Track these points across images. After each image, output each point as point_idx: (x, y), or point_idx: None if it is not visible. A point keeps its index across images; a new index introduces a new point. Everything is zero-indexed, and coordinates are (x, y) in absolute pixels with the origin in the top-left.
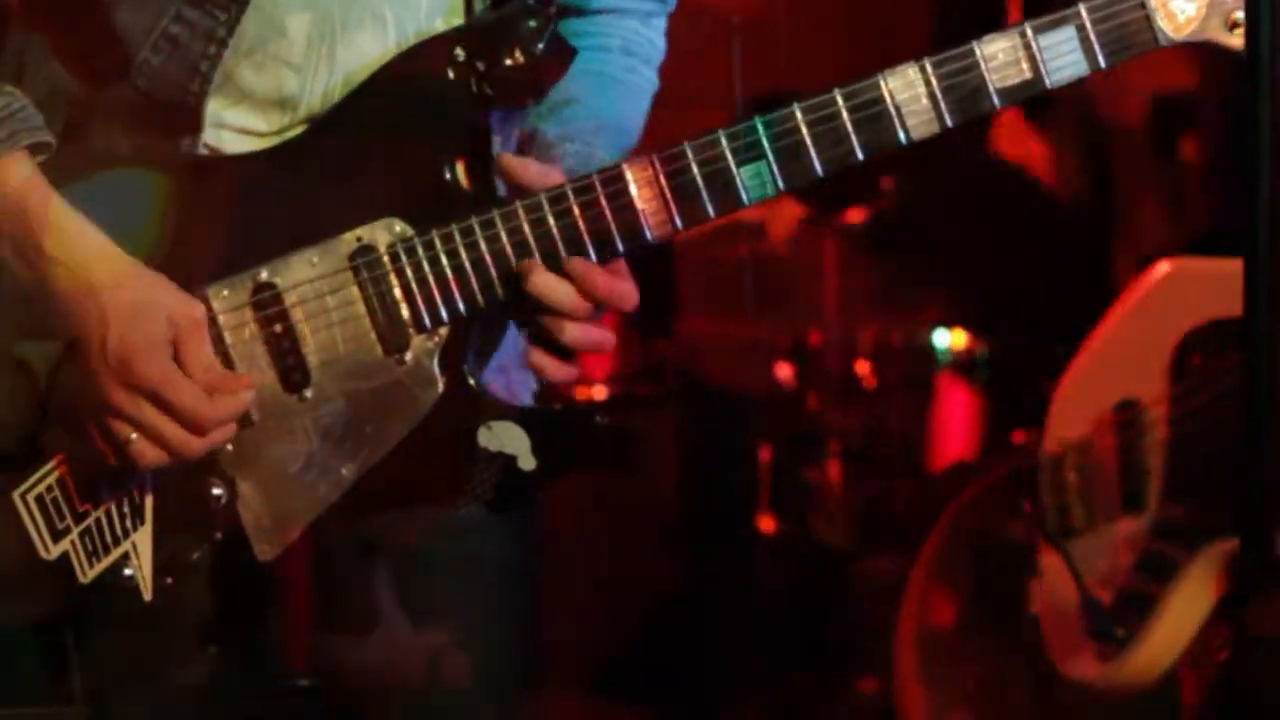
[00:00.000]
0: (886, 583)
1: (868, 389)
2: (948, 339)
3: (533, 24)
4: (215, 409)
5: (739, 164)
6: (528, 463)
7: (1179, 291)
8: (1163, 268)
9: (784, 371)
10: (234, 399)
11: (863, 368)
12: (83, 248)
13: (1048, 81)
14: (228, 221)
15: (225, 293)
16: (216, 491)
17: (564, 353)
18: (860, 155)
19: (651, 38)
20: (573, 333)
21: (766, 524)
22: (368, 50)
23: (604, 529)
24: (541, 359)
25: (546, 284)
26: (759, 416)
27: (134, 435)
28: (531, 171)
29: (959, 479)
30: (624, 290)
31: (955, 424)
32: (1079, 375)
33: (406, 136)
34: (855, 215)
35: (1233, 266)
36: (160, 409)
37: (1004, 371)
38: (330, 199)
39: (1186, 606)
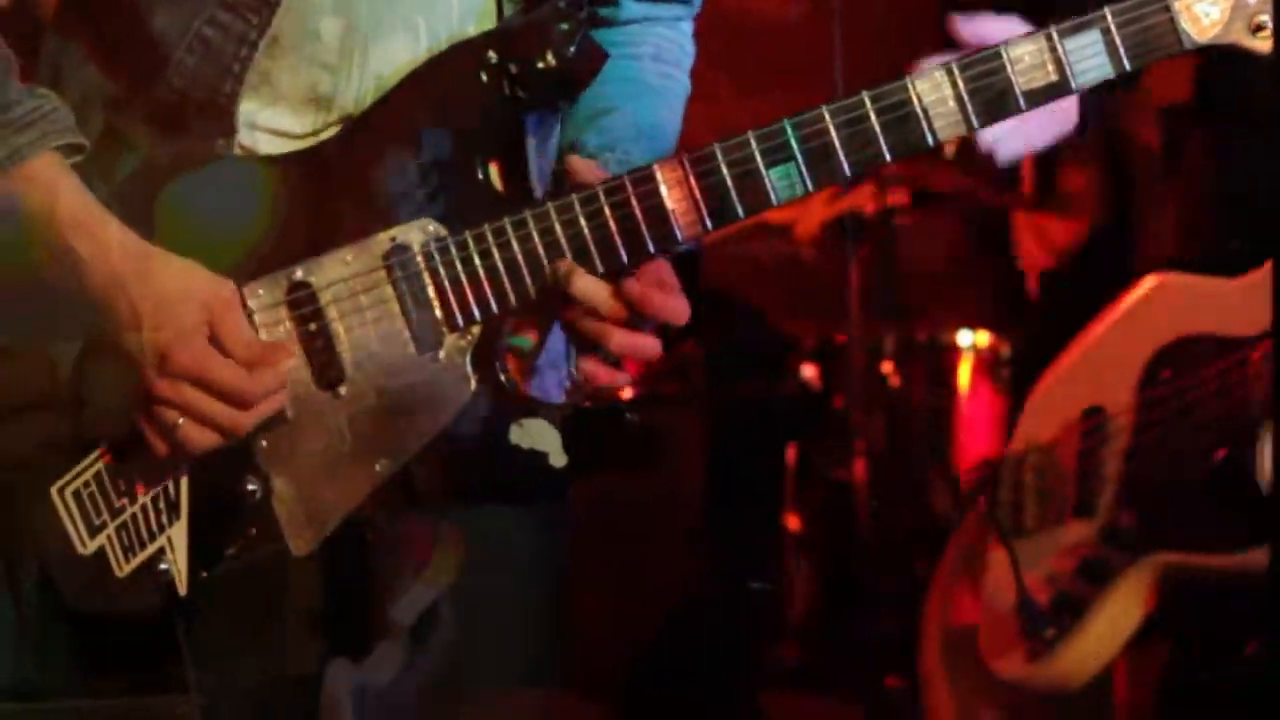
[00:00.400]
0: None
1: (893, 388)
2: (971, 339)
3: (564, 27)
4: (258, 382)
5: (768, 165)
6: (559, 459)
7: (1160, 305)
8: (1150, 280)
9: (809, 371)
10: (275, 370)
11: (887, 367)
12: (110, 244)
13: (1074, 84)
14: (263, 222)
15: (260, 291)
16: (251, 487)
17: (611, 358)
18: (889, 157)
19: (680, 42)
20: (619, 340)
21: (792, 522)
22: (399, 54)
23: (628, 527)
24: (591, 366)
25: (590, 289)
26: (784, 416)
27: (180, 420)
28: (597, 176)
29: (984, 477)
30: (677, 308)
31: (980, 423)
32: (1056, 379)
33: (440, 138)
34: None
35: (1217, 284)
36: (203, 390)
37: (1028, 371)
38: (365, 199)
39: (1116, 615)
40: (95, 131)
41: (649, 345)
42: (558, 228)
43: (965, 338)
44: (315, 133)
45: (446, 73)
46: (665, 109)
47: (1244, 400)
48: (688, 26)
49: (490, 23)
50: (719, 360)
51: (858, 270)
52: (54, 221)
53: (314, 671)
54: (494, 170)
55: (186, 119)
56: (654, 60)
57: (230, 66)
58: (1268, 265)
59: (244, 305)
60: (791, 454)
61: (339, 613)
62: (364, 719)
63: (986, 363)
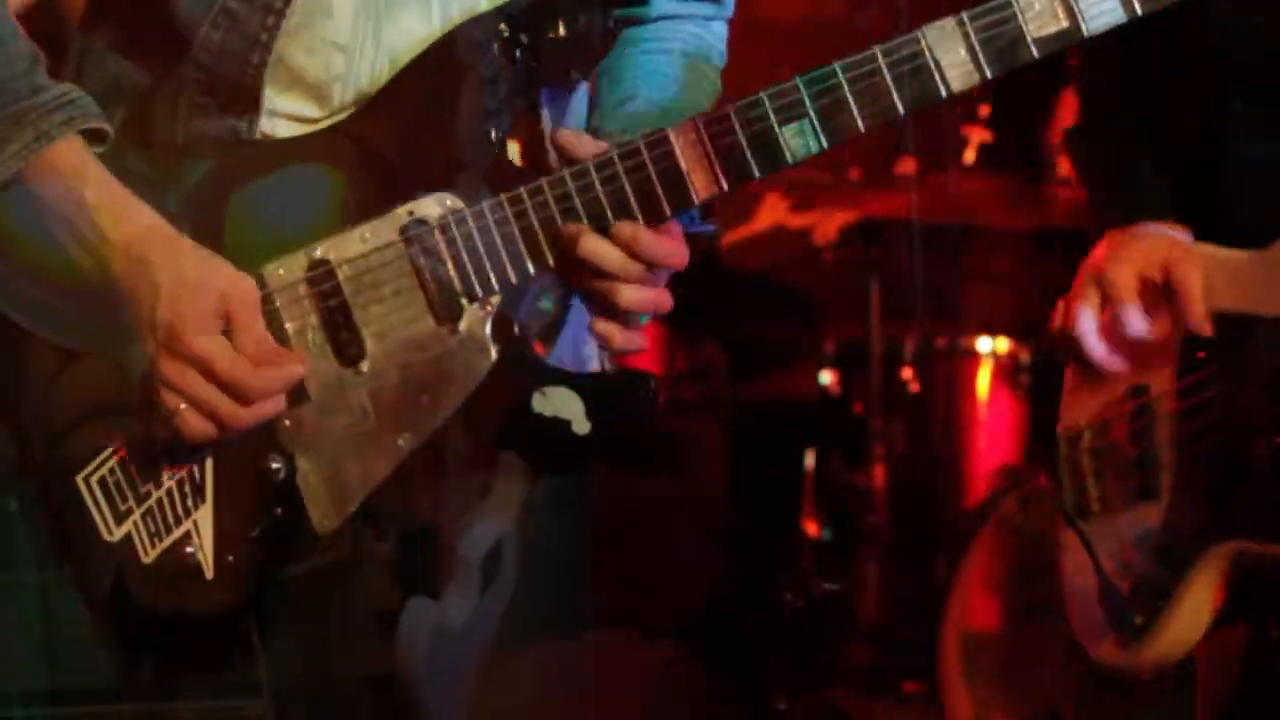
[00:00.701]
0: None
1: (912, 394)
2: (990, 345)
3: None
4: (262, 380)
5: (782, 123)
6: (582, 427)
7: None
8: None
9: (829, 377)
10: (282, 371)
11: (907, 373)
12: (137, 226)
13: (1085, 29)
14: (282, 203)
15: (280, 271)
16: (275, 465)
17: (625, 319)
18: (901, 110)
19: (711, 41)
20: (627, 295)
21: (811, 528)
22: (413, 29)
23: (649, 530)
24: (604, 327)
25: (595, 248)
26: (804, 421)
27: (182, 406)
28: (585, 145)
29: (1003, 482)
30: (671, 248)
31: (999, 429)
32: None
33: (455, 112)
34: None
35: (1234, 255)
36: (207, 378)
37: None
38: (382, 176)
39: (1199, 601)
40: (117, 121)
41: (657, 298)
42: (574, 194)
43: (985, 344)
44: (330, 116)
45: (459, 47)
46: (691, 98)
47: None
48: (720, 28)
49: None
50: (738, 362)
51: (877, 275)
52: (83, 204)
53: (396, 608)
54: (510, 143)
55: (214, 97)
56: (683, 55)
57: (257, 36)
58: None
59: (263, 285)
60: (810, 459)
61: (413, 549)
62: (439, 662)
63: (1006, 369)
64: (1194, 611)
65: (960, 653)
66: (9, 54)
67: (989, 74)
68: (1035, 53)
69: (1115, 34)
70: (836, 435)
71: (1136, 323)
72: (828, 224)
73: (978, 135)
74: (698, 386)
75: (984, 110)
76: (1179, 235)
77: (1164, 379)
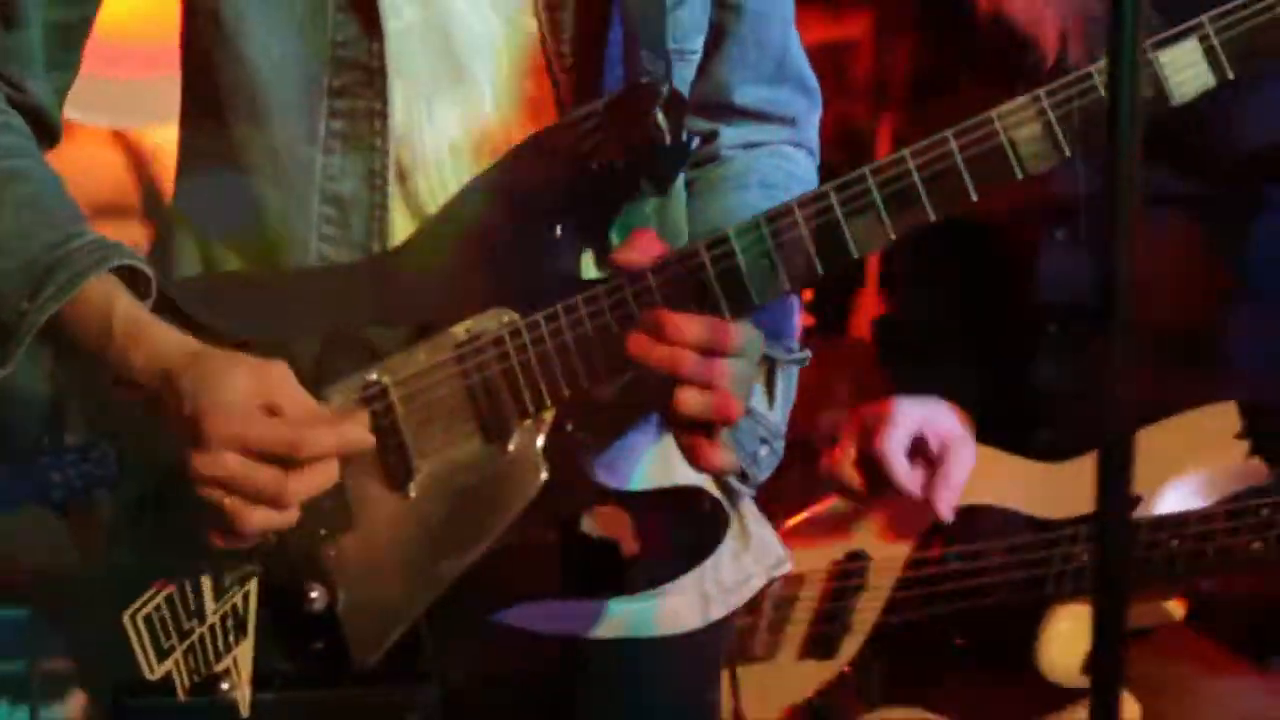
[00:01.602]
0: None
1: None
2: None
3: (660, 113)
4: (309, 439)
5: (848, 216)
6: (630, 548)
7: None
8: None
9: None
10: (336, 430)
11: None
12: (161, 346)
13: (1174, 97)
14: (341, 327)
15: (336, 400)
16: (314, 595)
17: (704, 430)
18: (974, 195)
19: (789, 169)
20: (690, 401)
21: None
22: (468, 110)
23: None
24: (685, 440)
25: (640, 347)
26: None
27: (226, 500)
28: (641, 250)
29: None
30: (718, 330)
31: None
32: (815, 515)
33: (519, 227)
34: None
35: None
36: (245, 454)
37: None
38: (441, 293)
39: None
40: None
41: (720, 404)
42: (630, 299)
43: None
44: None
45: (528, 159)
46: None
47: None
48: (794, 152)
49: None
50: None
51: None
52: (111, 337)
53: None
54: (575, 259)
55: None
56: (761, 187)
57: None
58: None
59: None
60: None
61: None
62: None
63: None
64: None
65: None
66: (48, 206)
67: (1067, 151)
68: None
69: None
70: None
71: (904, 476)
72: None
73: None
74: None
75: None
76: (960, 421)
77: (891, 554)
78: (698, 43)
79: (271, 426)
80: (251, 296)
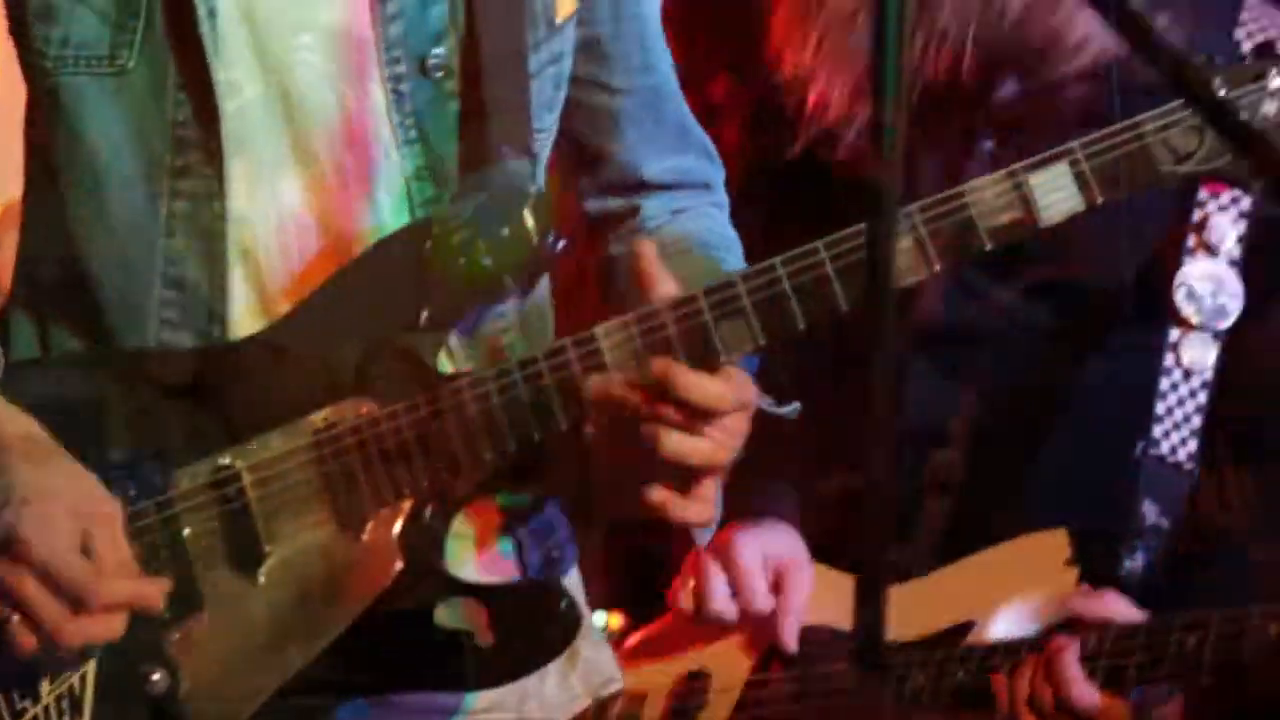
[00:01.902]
0: None
1: None
2: None
3: (529, 214)
4: (105, 589)
5: (717, 320)
6: (485, 639)
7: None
8: None
9: None
10: (131, 584)
11: None
12: (14, 436)
13: (1040, 220)
14: (198, 411)
15: (185, 481)
16: (156, 678)
17: (678, 481)
18: (844, 306)
19: (713, 228)
20: (669, 443)
21: None
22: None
23: None
24: (657, 494)
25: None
26: None
27: (15, 617)
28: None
29: None
30: (706, 385)
31: None
32: (658, 633)
33: (378, 321)
34: None
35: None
36: (43, 584)
37: None
38: (299, 382)
39: None
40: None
41: (711, 448)
42: (493, 394)
43: None
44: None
45: (391, 256)
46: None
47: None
48: (720, 214)
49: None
50: None
51: None
52: None
53: None
54: (437, 352)
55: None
56: (702, 248)
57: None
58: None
59: (165, 493)
60: None
61: None
62: None
63: None
64: None
65: None
66: None
67: (936, 268)
68: (987, 243)
69: None
70: None
71: (761, 599)
72: None
73: None
74: None
75: None
76: (797, 542)
77: (732, 673)
78: (549, 121)
79: (79, 569)
80: (91, 383)
